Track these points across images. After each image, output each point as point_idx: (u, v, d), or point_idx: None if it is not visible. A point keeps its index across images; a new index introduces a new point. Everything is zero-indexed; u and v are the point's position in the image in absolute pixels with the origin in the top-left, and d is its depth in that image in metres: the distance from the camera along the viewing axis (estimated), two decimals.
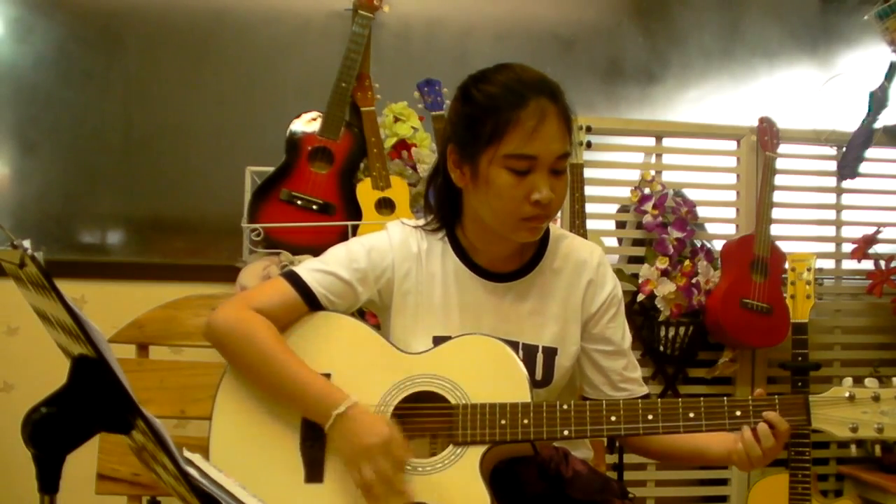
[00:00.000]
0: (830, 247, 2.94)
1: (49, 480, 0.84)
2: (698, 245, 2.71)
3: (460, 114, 1.43)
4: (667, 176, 2.79)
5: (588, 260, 1.53)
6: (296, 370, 1.39)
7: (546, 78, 1.41)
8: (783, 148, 2.79)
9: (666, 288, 2.60)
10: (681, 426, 1.35)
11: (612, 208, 2.80)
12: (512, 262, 1.51)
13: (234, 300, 1.47)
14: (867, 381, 1.34)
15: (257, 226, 2.34)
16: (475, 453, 1.35)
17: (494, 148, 1.35)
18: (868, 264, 2.83)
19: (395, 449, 1.32)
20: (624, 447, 1.60)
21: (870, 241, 2.80)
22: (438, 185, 1.52)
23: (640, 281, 2.63)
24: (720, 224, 2.86)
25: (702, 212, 2.77)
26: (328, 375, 1.42)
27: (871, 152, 2.83)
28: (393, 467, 1.32)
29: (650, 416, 1.35)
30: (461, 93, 1.44)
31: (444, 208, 1.52)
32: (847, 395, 1.33)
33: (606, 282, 1.54)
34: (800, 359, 2.42)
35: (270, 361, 1.39)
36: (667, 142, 2.83)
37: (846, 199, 2.93)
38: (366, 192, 2.39)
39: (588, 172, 2.65)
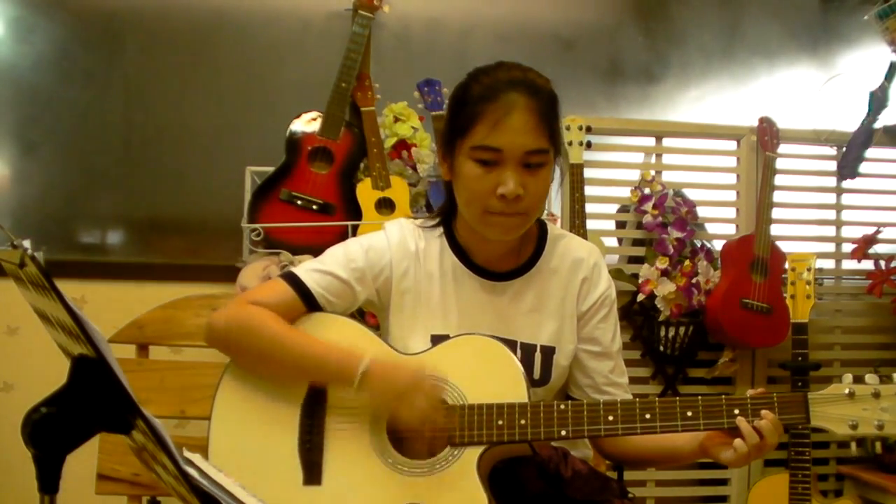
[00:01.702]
0: (830, 247, 2.94)
1: (49, 480, 0.84)
2: (698, 245, 2.71)
3: (447, 110, 1.47)
4: (667, 176, 2.79)
5: (585, 259, 1.54)
6: (308, 344, 1.41)
7: (530, 76, 1.40)
8: (783, 148, 2.79)
9: (666, 288, 2.60)
10: (679, 425, 1.34)
11: (612, 208, 2.80)
12: (509, 261, 1.51)
13: (231, 302, 1.48)
14: (867, 377, 1.33)
15: (257, 226, 2.34)
16: (473, 454, 1.35)
17: (463, 140, 1.38)
18: (868, 264, 2.83)
19: (425, 385, 1.34)
20: (598, 451, 1.59)
21: (870, 241, 2.80)
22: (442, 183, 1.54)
23: (640, 281, 2.63)
24: (720, 224, 2.85)
25: (702, 212, 2.77)
26: None
27: (871, 152, 2.83)
28: (429, 402, 1.33)
29: (648, 416, 1.35)
30: (454, 90, 1.47)
31: (443, 205, 1.54)
32: (847, 392, 1.32)
33: (601, 282, 1.54)
34: (800, 359, 2.43)
35: (281, 342, 1.40)
36: (667, 142, 2.83)
37: (846, 199, 2.93)
38: (366, 192, 2.39)
39: (588, 172, 2.65)
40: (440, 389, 1.36)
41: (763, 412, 1.32)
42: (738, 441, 1.31)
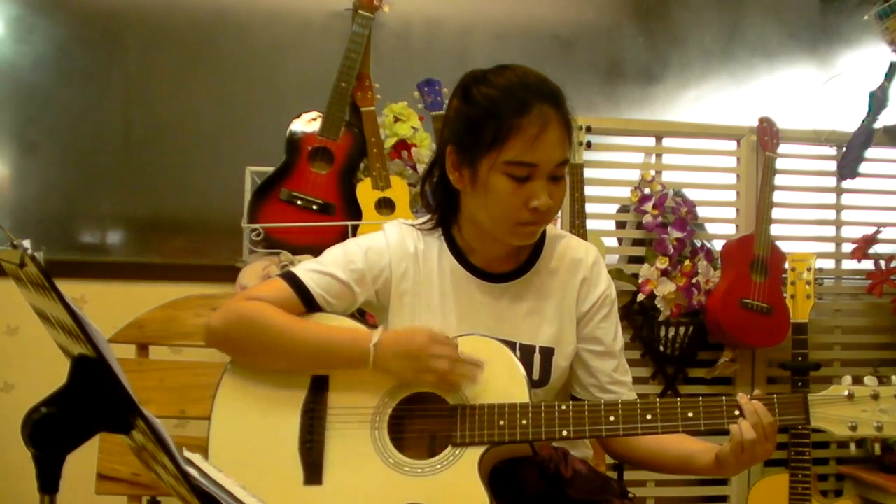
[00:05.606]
0: (830, 247, 2.94)
1: (49, 480, 0.84)
2: (698, 245, 2.71)
3: (460, 115, 1.42)
4: (667, 176, 2.79)
5: (584, 259, 1.53)
6: (316, 329, 1.42)
7: (548, 82, 1.40)
8: (783, 148, 2.79)
9: (666, 288, 2.60)
10: (679, 425, 1.34)
11: (612, 208, 2.80)
12: (508, 263, 1.51)
13: (228, 301, 1.48)
14: (866, 379, 1.34)
15: (257, 226, 2.34)
16: (474, 454, 1.35)
17: (495, 154, 1.35)
18: (868, 264, 2.83)
19: (441, 338, 1.36)
20: (609, 453, 1.59)
21: (870, 241, 2.80)
22: (435, 185, 1.51)
23: (640, 281, 2.63)
24: (720, 224, 2.86)
25: (702, 212, 2.77)
26: (325, 378, 1.42)
27: (871, 152, 2.83)
28: (450, 350, 1.35)
29: (649, 416, 1.35)
30: (462, 92, 1.43)
31: (441, 208, 1.52)
32: (846, 393, 1.33)
33: (600, 281, 1.54)
34: (800, 359, 2.42)
35: (291, 331, 1.40)
36: (667, 142, 2.83)
37: (846, 199, 2.93)
38: (366, 192, 2.39)
39: (588, 172, 2.65)
40: (455, 345, 1.37)
41: (754, 403, 1.32)
42: (733, 427, 1.31)
